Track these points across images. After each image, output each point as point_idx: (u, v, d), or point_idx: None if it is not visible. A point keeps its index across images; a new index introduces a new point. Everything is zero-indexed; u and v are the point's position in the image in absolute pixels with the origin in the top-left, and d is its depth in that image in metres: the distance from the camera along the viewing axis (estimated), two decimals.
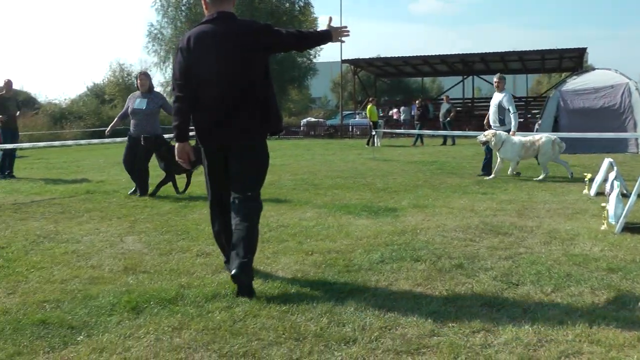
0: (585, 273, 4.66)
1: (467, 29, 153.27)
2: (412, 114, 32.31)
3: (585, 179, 8.94)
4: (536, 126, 19.44)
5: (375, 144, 23.03)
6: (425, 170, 12.95)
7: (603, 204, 6.46)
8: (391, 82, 56.10)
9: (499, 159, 11.28)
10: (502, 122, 11.61)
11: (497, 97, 11.68)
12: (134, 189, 9.83)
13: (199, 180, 7.63)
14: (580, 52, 34.84)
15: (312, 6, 48.79)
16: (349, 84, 53.36)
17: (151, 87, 10.13)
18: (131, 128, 10.01)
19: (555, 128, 17.85)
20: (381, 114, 31.03)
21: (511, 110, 11.41)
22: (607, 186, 7.72)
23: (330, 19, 4.71)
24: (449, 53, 37.56)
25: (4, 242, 6.28)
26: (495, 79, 11.93)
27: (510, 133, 11.27)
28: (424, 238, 5.95)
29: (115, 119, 10.63)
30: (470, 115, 37.83)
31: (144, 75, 10.17)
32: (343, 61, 39.22)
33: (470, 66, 39.61)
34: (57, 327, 3.68)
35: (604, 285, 4.36)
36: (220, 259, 5.17)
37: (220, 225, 4.73)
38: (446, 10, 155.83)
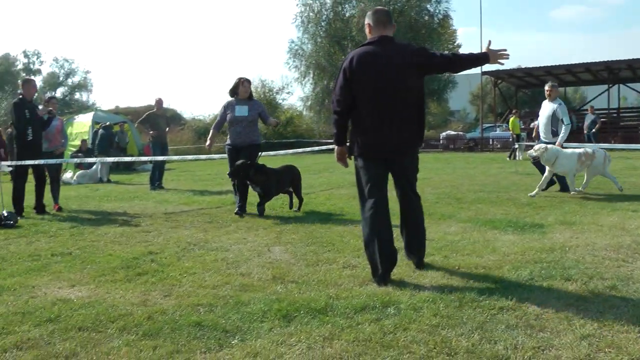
0: None
1: (613, 35, 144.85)
2: None
3: None
4: None
5: (517, 157, 22.31)
6: None
7: None
8: (532, 93, 54.27)
9: (546, 173, 10.63)
10: (555, 133, 10.91)
11: (548, 107, 11.08)
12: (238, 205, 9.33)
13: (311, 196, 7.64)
14: None
15: (451, 18, 48.24)
16: (488, 96, 52.17)
17: (251, 93, 9.75)
18: (231, 138, 9.50)
19: None
20: (522, 127, 29.99)
21: (564, 122, 10.72)
22: None
23: (490, 42, 5.08)
24: (593, 61, 35.70)
25: (158, 248, 6.70)
26: (546, 87, 11.28)
27: (556, 144, 10.61)
28: (573, 256, 5.68)
29: (212, 131, 9.88)
30: (616, 126, 35.80)
31: (248, 82, 9.68)
32: (483, 73, 38.44)
33: (616, 74, 37.35)
34: (211, 330, 3.87)
35: None
36: (367, 271, 5.24)
37: (383, 230, 5.11)
38: (590, 16, 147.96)
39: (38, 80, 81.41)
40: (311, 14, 46.30)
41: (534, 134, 11.76)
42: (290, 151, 16.93)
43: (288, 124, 45.78)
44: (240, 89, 9.51)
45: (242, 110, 9.38)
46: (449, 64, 5.11)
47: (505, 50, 4.99)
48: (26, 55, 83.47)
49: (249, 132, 9.43)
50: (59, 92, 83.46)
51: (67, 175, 18.58)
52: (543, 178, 10.65)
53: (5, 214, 8.87)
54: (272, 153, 14.70)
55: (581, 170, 10.71)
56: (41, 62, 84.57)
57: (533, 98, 56.33)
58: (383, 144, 5.01)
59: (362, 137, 5.05)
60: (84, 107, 68.58)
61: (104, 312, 4.31)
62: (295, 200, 9.79)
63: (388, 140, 5.00)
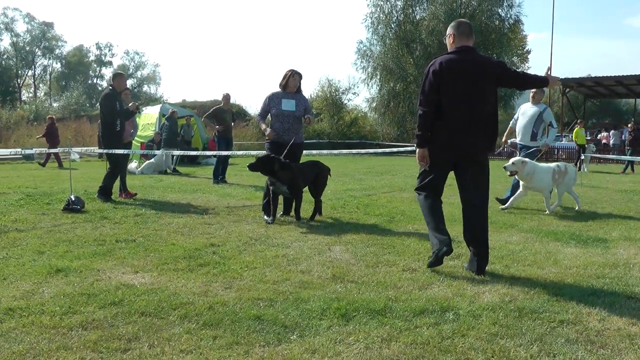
0: None
1: None
2: (623, 138, 30.18)
3: None
4: None
5: (582, 169, 21.79)
6: (636, 201, 11.96)
7: None
8: (601, 103, 52.95)
9: (521, 189, 10.06)
10: (535, 137, 10.39)
11: (532, 110, 10.54)
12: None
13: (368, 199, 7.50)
14: None
15: (522, 23, 47.46)
16: (555, 105, 51.08)
17: (300, 87, 9.11)
18: (276, 133, 8.79)
19: None
20: (588, 138, 29.30)
21: (553, 125, 10.28)
22: None
23: (549, 68, 5.76)
24: None
25: (220, 240, 6.81)
26: (531, 92, 10.77)
27: (543, 147, 10.33)
28: (637, 274, 5.52)
29: (261, 123, 9.15)
30: None
31: (299, 75, 9.01)
32: None
33: None
34: (271, 324, 3.92)
35: None
36: (427, 275, 5.30)
37: (432, 205, 5.69)
38: None
39: (108, 72, 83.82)
40: (381, 15, 46.30)
41: (503, 139, 11.18)
42: (354, 151, 16.93)
43: (352, 125, 45.86)
44: (290, 82, 8.92)
45: (289, 105, 8.81)
46: (518, 80, 5.54)
47: (559, 79, 5.52)
48: (98, 47, 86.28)
49: (296, 128, 8.86)
50: (128, 84, 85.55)
51: (132, 165, 19.05)
52: (517, 194, 10.19)
53: (73, 199, 9.15)
54: (335, 152, 14.74)
55: (552, 187, 10.11)
56: (112, 55, 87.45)
57: (602, 108, 55.12)
58: (459, 144, 5.41)
59: (442, 137, 5.41)
60: (151, 100, 70.26)
61: (166, 300, 4.42)
62: (305, 211, 8.88)
63: (465, 142, 5.40)
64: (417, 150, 5.52)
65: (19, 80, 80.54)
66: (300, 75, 8.99)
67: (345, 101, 48.32)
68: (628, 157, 21.91)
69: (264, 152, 8.54)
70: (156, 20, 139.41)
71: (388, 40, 46.12)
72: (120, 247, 6.39)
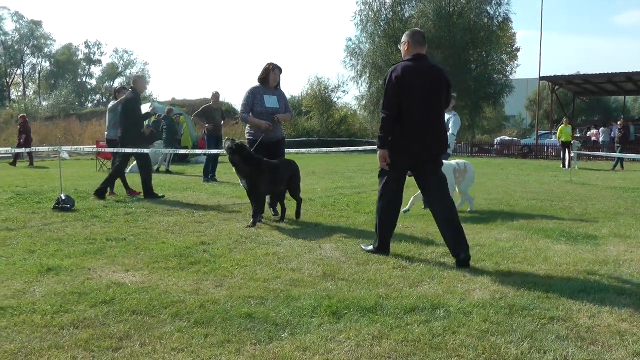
0: None
1: None
2: (613, 135, 30.38)
3: None
4: None
5: (566, 166, 21.97)
6: (626, 198, 12.03)
7: None
8: (590, 100, 53.17)
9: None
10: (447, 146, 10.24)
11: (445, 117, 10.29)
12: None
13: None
14: None
15: (511, 21, 47.51)
16: (545, 102, 51.30)
17: (279, 82, 8.81)
18: (257, 131, 8.52)
19: None
20: (578, 135, 29.45)
21: (452, 131, 9.98)
22: None
23: None
24: None
25: (210, 239, 6.81)
26: None
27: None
28: (627, 271, 5.55)
29: (251, 117, 8.51)
30: None
31: (279, 69, 8.66)
32: (541, 78, 37.81)
33: None
34: (262, 322, 3.92)
35: None
36: (417, 272, 5.31)
37: (393, 212, 6.10)
38: None
39: (98, 71, 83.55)
40: (370, 13, 46.30)
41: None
42: (343, 149, 16.95)
43: (342, 123, 45.87)
44: (271, 77, 8.56)
45: (272, 102, 8.51)
46: (449, 95, 6.05)
47: None
48: (88, 46, 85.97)
49: (278, 126, 8.66)
50: (117, 83, 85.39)
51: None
52: (418, 193, 9.22)
53: (63, 198, 9.13)
54: (324, 150, 14.75)
55: (454, 185, 9.52)
56: (102, 53, 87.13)
57: (591, 106, 55.36)
58: (417, 148, 5.81)
59: (402, 140, 5.79)
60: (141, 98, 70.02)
61: (157, 298, 4.41)
62: (290, 208, 8.59)
63: (423, 145, 5.81)
64: (379, 151, 5.90)
65: (7, 79, 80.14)
66: (280, 70, 8.67)
67: (335, 99, 48.32)
68: (618, 155, 22.06)
69: (231, 140, 8.08)
70: (145, 18, 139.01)
71: (377, 38, 46.08)
72: (111, 246, 6.37)
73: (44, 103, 68.80)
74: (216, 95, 15.61)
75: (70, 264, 5.48)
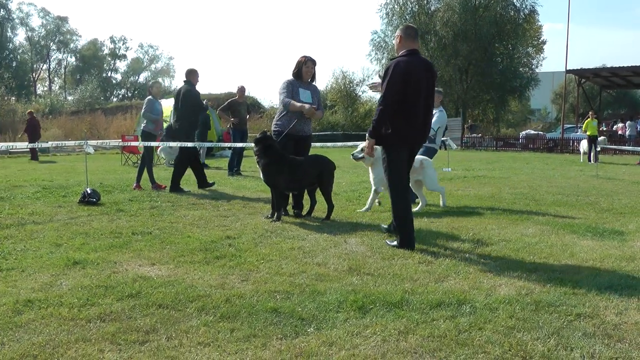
0: None
1: None
2: (639, 129, 29.91)
3: None
4: None
5: (591, 160, 21.73)
6: None
7: None
8: (617, 94, 52.43)
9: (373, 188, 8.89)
10: (432, 140, 9.88)
11: None
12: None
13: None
14: None
15: (537, 14, 47.14)
16: (570, 96, 50.69)
17: (314, 75, 8.51)
18: (286, 124, 8.17)
19: None
20: (605, 129, 29.05)
21: (434, 128, 9.61)
22: None
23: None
24: None
25: (235, 233, 6.83)
26: None
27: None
28: None
29: (293, 102, 8.07)
30: None
31: (312, 62, 8.35)
32: (568, 71, 37.29)
33: None
34: (288, 317, 3.92)
35: None
36: (443, 267, 5.30)
37: (408, 205, 6.31)
38: None
39: (123, 65, 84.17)
40: (396, 6, 46.22)
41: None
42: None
43: (367, 116, 45.80)
44: (304, 70, 8.29)
45: (306, 96, 8.22)
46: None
47: None
48: (113, 41, 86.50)
49: (308, 121, 8.32)
50: (142, 77, 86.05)
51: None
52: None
53: (89, 191, 9.20)
54: (349, 144, 14.71)
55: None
56: (127, 48, 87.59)
57: (618, 99, 54.64)
58: (414, 134, 6.22)
59: (402, 128, 6.10)
60: (166, 93, 70.58)
61: (183, 292, 4.43)
62: (322, 204, 8.19)
63: (418, 132, 6.25)
64: (370, 140, 6.33)
65: (34, 74, 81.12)
66: (314, 62, 8.35)
67: (360, 93, 48.23)
68: None
69: (263, 132, 8.00)
70: (170, 13, 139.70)
71: None
72: (136, 240, 6.42)
73: (70, 98, 69.49)
74: (242, 90, 15.64)
75: (97, 257, 5.53)
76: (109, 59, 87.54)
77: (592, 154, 23.16)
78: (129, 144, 18.63)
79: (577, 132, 36.97)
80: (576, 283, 4.84)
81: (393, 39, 6.36)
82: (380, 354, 3.37)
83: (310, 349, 3.41)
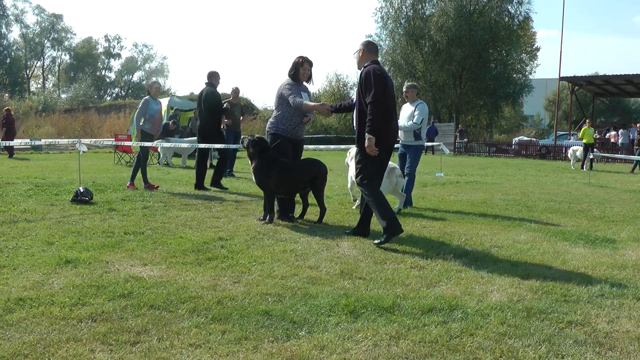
0: None
1: None
2: (631, 137, 30.12)
3: None
4: None
5: (584, 168, 21.86)
6: None
7: None
8: (610, 101, 52.71)
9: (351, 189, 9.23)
10: (418, 136, 9.87)
11: (409, 109, 10.00)
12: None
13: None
14: None
15: (532, 20, 47.39)
16: (564, 103, 50.90)
17: (310, 76, 8.29)
18: (287, 128, 8.00)
19: None
20: (597, 137, 29.22)
21: (415, 120, 9.71)
22: None
23: None
24: None
25: (228, 234, 6.82)
26: (403, 88, 10.28)
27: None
28: None
29: (305, 102, 7.89)
30: None
31: (309, 63, 8.17)
32: (561, 78, 37.46)
33: None
34: (279, 320, 3.92)
35: None
36: (435, 273, 5.32)
37: (382, 194, 6.71)
38: None
39: (117, 64, 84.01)
40: (391, 10, 46.32)
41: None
42: None
43: None
44: (301, 71, 8.10)
45: (306, 99, 7.99)
46: None
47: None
48: (107, 40, 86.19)
49: (303, 125, 8.19)
50: (136, 77, 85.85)
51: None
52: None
53: (82, 190, 9.18)
54: (342, 147, 14.73)
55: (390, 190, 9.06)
56: (121, 47, 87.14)
57: (610, 107, 54.92)
58: (390, 136, 6.75)
59: (382, 130, 6.51)
60: (160, 93, 70.34)
61: (174, 293, 4.43)
62: (314, 207, 8.23)
63: (393, 133, 6.84)
64: (372, 138, 6.45)
65: (27, 71, 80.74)
66: (310, 63, 8.17)
67: (354, 96, 48.26)
68: (636, 157, 21.82)
69: (258, 136, 7.95)
70: (165, 12, 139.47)
71: (397, 35, 46.12)
72: (128, 240, 6.40)
73: (63, 96, 69.25)
74: (236, 91, 15.65)
75: (88, 256, 5.51)
76: (103, 57, 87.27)
77: (585, 161, 23.24)
78: (122, 143, 18.59)
79: (569, 139, 37.09)
80: (568, 290, 4.86)
81: (355, 53, 6.37)
82: (371, 358, 3.38)
83: (301, 353, 3.41)
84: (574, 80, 38.88)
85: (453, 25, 42.21)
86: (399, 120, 9.89)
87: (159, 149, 18.66)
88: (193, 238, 6.53)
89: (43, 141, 15.51)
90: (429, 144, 21.52)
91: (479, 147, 38.86)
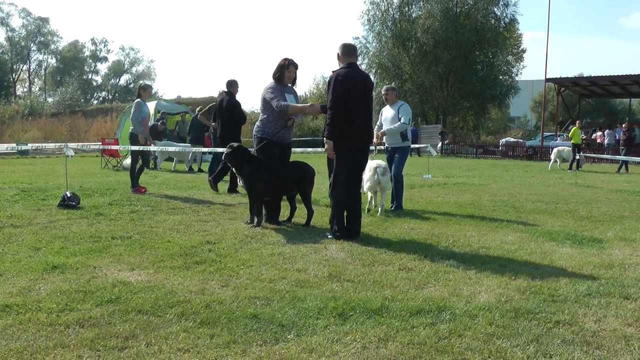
0: None
1: None
2: (617, 138, 30.35)
3: None
4: None
5: (576, 168, 21.97)
6: (631, 200, 12.01)
7: None
8: (595, 102, 53.02)
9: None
10: (405, 137, 9.89)
11: (391, 111, 9.96)
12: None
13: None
14: None
15: (517, 22, 47.58)
16: (550, 104, 51.16)
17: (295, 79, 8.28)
18: (274, 132, 7.96)
19: None
20: (583, 137, 29.40)
21: (403, 120, 9.66)
22: None
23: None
24: None
25: (215, 238, 6.81)
26: (382, 91, 10.29)
27: (379, 132, 9.76)
28: (633, 275, 5.55)
29: (290, 105, 7.87)
30: None
31: (294, 66, 8.12)
32: (547, 80, 37.60)
33: None
34: (268, 323, 3.92)
35: None
36: (423, 274, 5.33)
37: (347, 198, 7.10)
38: None
39: (104, 68, 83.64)
40: (377, 12, 46.43)
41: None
42: None
43: None
44: (286, 74, 8.04)
45: (291, 101, 7.97)
46: None
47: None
48: (94, 43, 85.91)
49: (290, 129, 8.15)
50: (123, 80, 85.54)
51: (128, 161, 18.98)
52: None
53: (69, 195, 9.13)
54: (319, 150, 14.74)
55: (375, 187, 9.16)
56: (108, 50, 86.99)
57: (596, 108, 55.27)
58: (361, 136, 7.11)
59: (347, 131, 6.95)
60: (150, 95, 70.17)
61: (162, 297, 4.41)
62: (302, 210, 8.27)
63: (364, 134, 7.16)
64: (329, 142, 7.02)
65: (13, 75, 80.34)
66: (296, 66, 8.10)
67: None
68: (622, 157, 21.96)
69: (237, 144, 7.89)
70: (152, 16, 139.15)
71: (384, 38, 46.19)
72: (116, 244, 6.37)
73: (50, 99, 69.02)
74: (222, 94, 15.58)
75: (76, 261, 5.48)
76: (90, 61, 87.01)
77: (573, 162, 23.32)
78: (109, 147, 18.53)
79: (556, 140, 37.22)
80: (555, 290, 4.89)
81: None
82: None
83: (290, 356, 3.41)
84: (560, 82, 39.07)
85: (440, 28, 42.34)
86: (383, 125, 9.93)
87: (156, 153, 18.57)
88: (181, 242, 6.51)
89: (30, 145, 15.43)
90: (415, 145, 21.54)
91: (465, 149, 38.91)
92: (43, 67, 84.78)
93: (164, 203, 9.84)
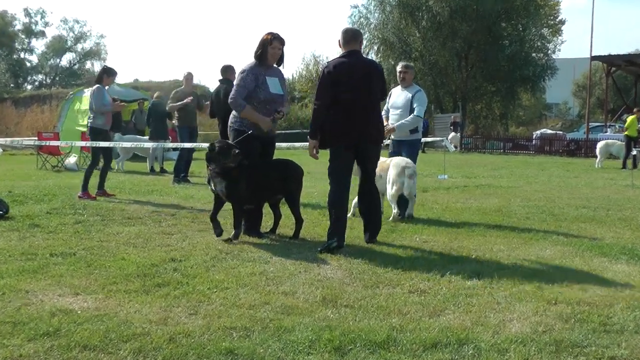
0: None
1: None
2: None
3: None
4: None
5: (626, 167, 22.01)
6: None
7: None
8: None
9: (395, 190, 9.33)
10: (415, 130, 9.96)
11: (403, 95, 10.00)
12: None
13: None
14: None
15: None
16: (597, 87, 51.30)
17: (282, 56, 8.20)
18: (247, 120, 7.91)
19: None
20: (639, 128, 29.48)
21: (416, 112, 9.73)
22: None
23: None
24: None
25: (182, 254, 6.80)
26: (399, 68, 10.31)
27: (387, 128, 9.49)
28: None
29: (248, 106, 7.80)
30: None
31: (279, 41, 8.00)
32: (593, 58, 37.74)
33: None
34: None
35: None
36: (439, 298, 5.32)
37: (345, 201, 7.57)
38: None
39: (40, 45, 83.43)
40: None
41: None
42: None
43: None
44: (270, 51, 7.94)
45: (275, 86, 7.97)
46: (384, 86, 7.90)
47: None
48: (28, 14, 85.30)
49: (275, 120, 8.15)
50: (65, 60, 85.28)
51: (72, 160, 18.95)
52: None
53: None
54: None
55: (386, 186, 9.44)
56: (45, 24, 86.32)
57: None
58: (354, 132, 7.37)
59: (338, 126, 7.34)
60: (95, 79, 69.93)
61: (115, 329, 4.37)
62: (288, 219, 8.31)
63: (360, 130, 7.38)
64: (310, 141, 7.43)
65: None
66: (282, 42, 8.01)
67: None
68: None
69: (224, 141, 7.97)
70: None
71: (388, 7, 46.25)
72: (55, 263, 6.34)
73: None
74: (188, 77, 15.62)
75: (3, 285, 5.44)
76: (22, 36, 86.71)
77: (627, 158, 23.23)
78: (47, 143, 18.43)
79: (606, 132, 37.19)
80: (608, 318, 4.87)
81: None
82: None
83: None
84: (609, 60, 39.16)
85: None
86: (390, 111, 9.90)
87: (118, 150, 18.50)
88: (138, 259, 6.48)
89: None
90: (425, 139, 21.59)
91: (490, 144, 39.00)
92: None
93: (117, 211, 9.83)
